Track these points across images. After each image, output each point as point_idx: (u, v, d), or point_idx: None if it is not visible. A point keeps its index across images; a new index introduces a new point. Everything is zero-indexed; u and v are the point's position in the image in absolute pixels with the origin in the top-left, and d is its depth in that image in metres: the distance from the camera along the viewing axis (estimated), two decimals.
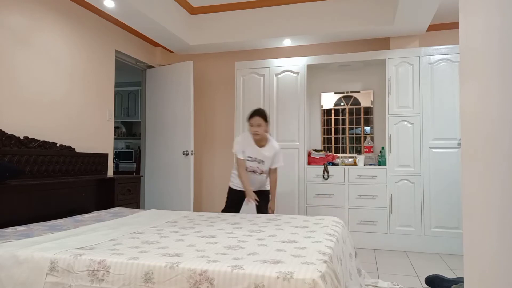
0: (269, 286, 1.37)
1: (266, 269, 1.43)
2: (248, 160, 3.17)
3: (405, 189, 3.76)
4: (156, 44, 4.72)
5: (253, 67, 4.30)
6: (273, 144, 3.18)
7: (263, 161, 3.15)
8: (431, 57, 3.77)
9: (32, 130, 2.97)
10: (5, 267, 1.68)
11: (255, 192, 3.20)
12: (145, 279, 1.51)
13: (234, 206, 3.29)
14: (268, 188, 3.32)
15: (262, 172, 3.21)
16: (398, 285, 2.61)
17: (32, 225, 2.37)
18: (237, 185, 3.29)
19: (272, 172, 3.27)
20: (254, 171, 3.20)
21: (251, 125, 3.08)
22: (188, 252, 1.70)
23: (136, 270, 1.54)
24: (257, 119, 3.05)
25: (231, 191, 3.34)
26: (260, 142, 3.15)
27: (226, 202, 3.36)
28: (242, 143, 3.17)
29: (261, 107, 4.24)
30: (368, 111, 4.32)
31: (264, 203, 3.26)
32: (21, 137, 2.83)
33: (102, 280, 1.57)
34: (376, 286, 2.59)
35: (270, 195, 3.31)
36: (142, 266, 1.54)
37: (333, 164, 4.08)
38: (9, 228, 2.25)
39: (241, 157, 3.15)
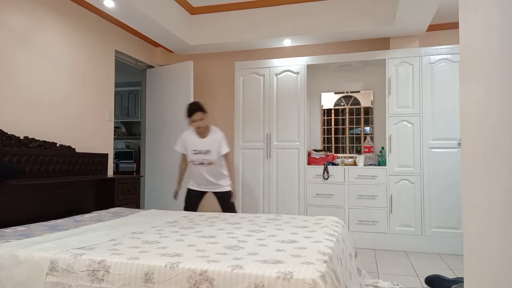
0: (269, 286, 1.37)
1: (266, 269, 1.43)
2: (194, 154, 3.20)
3: (405, 189, 3.76)
4: (156, 44, 4.72)
5: (253, 67, 4.30)
6: (215, 133, 3.21)
7: (209, 151, 3.16)
8: (431, 57, 3.77)
9: (32, 130, 2.97)
10: (5, 267, 1.68)
11: (215, 193, 3.28)
12: (145, 279, 1.51)
13: (189, 204, 3.34)
14: (225, 189, 3.27)
15: (210, 163, 3.18)
16: (398, 285, 2.61)
17: (32, 225, 2.36)
18: (191, 184, 3.35)
19: (223, 160, 3.28)
20: (202, 163, 3.20)
21: (193, 121, 3.10)
22: (188, 252, 1.70)
23: (136, 270, 1.54)
24: (199, 114, 3.07)
25: (187, 190, 3.41)
26: (203, 134, 3.20)
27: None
28: (184, 139, 3.24)
29: (262, 106, 4.24)
30: (368, 111, 4.32)
31: (224, 204, 3.28)
32: (21, 137, 2.83)
33: (102, 280, 1.57)
34: (376, 286, 2.59)
35: (230, 194, 3.28)
36: (142, 266, 1.54)
37: (333, 164, 4.08)
38: (9, 228, 2.24)
39: (178, 149, 3.29)
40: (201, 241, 1.92)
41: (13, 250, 1.73)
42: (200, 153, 3.18)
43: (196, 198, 3.34)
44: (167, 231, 2.20)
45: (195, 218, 2.68)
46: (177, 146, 3.30)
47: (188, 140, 3.22)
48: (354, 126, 4.36)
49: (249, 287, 1.39)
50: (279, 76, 4.22)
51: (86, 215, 2.77)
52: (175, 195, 3.41)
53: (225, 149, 3.19)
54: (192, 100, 4.32)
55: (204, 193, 3.35)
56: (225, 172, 3.29)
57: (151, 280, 1.51)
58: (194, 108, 3.09)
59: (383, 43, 4.27)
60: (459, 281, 2.50)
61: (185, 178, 3.42)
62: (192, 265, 1.50)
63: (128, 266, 1.56)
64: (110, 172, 3.87)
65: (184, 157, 3.34)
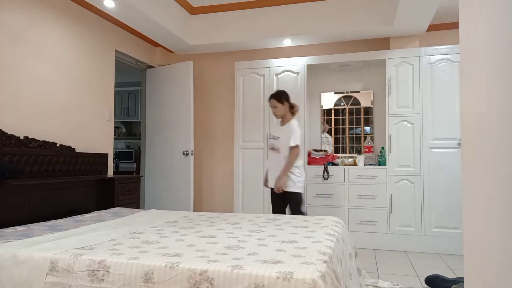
0: (269, 286, 1.37)
1: (266, 269, 1.43)
2: (270, 138, 3.39)
3: (405, 189, 3.76)
4: (156, 44, 4.72)
5: (253, 67, 4.30)
6: (291, 123, 3.21)
7: (278, 138, 3.24)
8: (431, 57, 3.77)
9: (32, 130, 2.97)
10: (5, 267, 1.68)
11: (280, 193, 3.16)
12: (145, 279, 1.51)
13: (274, 207, 3.32)
14: (291, 189, 3.13)
15: (277, 149, 3.23)
16: (398, 285, 2.61)
17: (32, 225, 2.36)
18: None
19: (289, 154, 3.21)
20: (272, 148, 3.31)
21: (270, 107, 3.28)
22: (188, 252, 1.70)
23: (136, 270, 1.54)
24: (271, 102, 3.21)
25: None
26: (283, 122, 3.29)
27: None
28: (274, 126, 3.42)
29: (262, 106, 4.24)
30: (368, 111, 4.32)
31: (286, 204, 3.21)
32: (21, 137, 2.83)
33: (102, 280, 1.57)
34: (376, 286, 2.59)
35: (291, 195, 3.16)
36: (142, 266, 1.54)
37: (333, 164, 4.08)
38: (9, 228, 2.24)
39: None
40: (201, 241, 1.92)
41: (13, 250, 1.73)
42: (272, 138, 3.33)
43: (275, 198, 3.27)
44: (167, 231, 2.20)
45: (195, 218, 2.68)
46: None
47: (275, 125, 3.37)
48: (354, 126, 4.36)
49: (249, 287, 1.39)
50: (279, 76, 4.22)
51: (86, 215, 2.77)
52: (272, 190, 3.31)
53: (291, 142, 3.13)
54: (192, 99, 4.32)
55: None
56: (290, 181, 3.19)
57: (151, 280, 1.51)
58: (271, 95, 3.23)
59: (383, 43, 4.27)
60: (459, 281, 2.50)
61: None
62: (192, 265, 1.50)
63: (128, 266, 1.56)
64: (110, 172, 3.87)
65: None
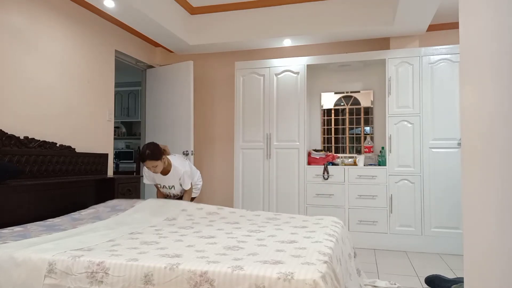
0: (269, 287, 1.37)
1: (266, 270, 1.43)
2: (160, 188, 3.21)
3: (405, 189, 3.76)
4: (156, 44, 4.72)
5: (253, 67, 4.30)
6: (176, 170, 3.05)
7: (173, 186, 3.14)
8: (431, 57, 3.77)
9: (32, 130, 2.97)
10: (3, 269, 1.67)
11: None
12: (145, 281, 1.51)
13: None
14: None
15: (176, 196, 3.23)
16: (395, 284, 2.62)
17: (29, 225, 2.35)
18: None
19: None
20: (168, 196, 3.25)
21: (147, 167, 2.93)
22: (188, 253, 1.70)
23: (136, 271, 1.53)
24: (150, 163, 2.86)
25: None
26: (164, 172, 3.06)
27: None
28: (148, 174, 3.13)
29: (262, 106, 4.24)
30: (368, 111, 4.31)
31: None
32: (21, 137, 2.83)
33: (101, 282, 1.56)
34: (374, 286, 2.59)
35: None
36: (141, 267, 1.54)
37: (333, 164, 4.08)
38: (5, 229, 2.23)
39: (146, 182, 3.20)
40: (200, 242, 1.92)
41: (11, 252, 1.72)
42: (165, 187, 3.17)
43: None
44: (166, 231, 2.20)
45: (194, 213, 2.67)
46: (145, 179, 3.19)
47: (153, 175, 3.10)
48: (354, 126, 4.36)
49: (250, 287, 1.39)
50: (279, 76, 4.22)
51: (83, 212, 2.75)
52: None
53: (185, 185, 3.11)
54: (192, 99, 4.32)
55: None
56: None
57: (151, 282, 1.50)
58: (144, 157, 2.85)
59: (383, 43, 4.27)
60: (459, 281, 2.50)
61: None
62: (192, 266, 1.50)
63: (127, 267, 1.55)
64: (110, 172, 3.87)
65: (156, 187, 3.27)
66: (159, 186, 3.19)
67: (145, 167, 3.00)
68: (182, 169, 3.07)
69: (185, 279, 1.47)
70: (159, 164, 2.91)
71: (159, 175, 3.08)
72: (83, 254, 1.68)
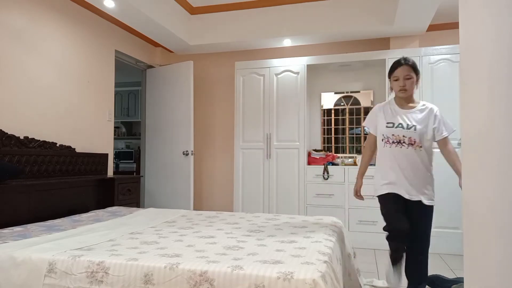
0: (269, 287, 1.37)
1: (266, 270, 1.43)
2: (388, 127, 2.31)
3: None
4: (156, 44, 4.72)
5: (253, 67, 4.30)
6: (427, 104, 2.33)
7: (413, 126, 2.25)
8: (431, 57, 3.77)
9: (32, 130, 2.97)
10: (3, 269, 1.67)
11: (412, 201, 2.26)
12: (145, 280, 1.51)
13: (396, 217, 2.26)
14: (428, 202, 2.27)
15: (413, 143, 2.24)
16: None
17: (29, 226, 2.35)
18: (380, 188, 2.38)
19: (442, 146, 2.28)
20: (399, 141, 2.27)
21: (396, 79, 2.29)
22: (188, 253, 1.70)
23: (136, 271, 1.53)
24: (406, 69, 2.25)
25: (380, 199, 2.40)
26: (407, 102, 2.33)
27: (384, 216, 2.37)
28: (377, 111, 2.40)
29: (262, 106, 4.24)
30: (368, 111, 4.31)
31: (419, 217, 2.28)
32: (21, 137, 2.83)
33: (101, 281, 1.56)
34: (373, 286, 2.60)
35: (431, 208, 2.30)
36: (141, 267, 1.54)
37: (333, 164, 4.08)
38: (6, 229, 2.23)
39: (371, 131, 2.44)
40: (200, 242, 1.92)
41: (11, 252, 1.72)
42: (399, 127, 2.28)
43: (399, 206, 2.28)
44: (166, 231, 2.20)
45: (194, 217, 2.68)
46: (367, 123, 2.47)
47: (386, 111, 2.36)
48: (354, 126, 4.36)
49: (249, 287, 1.39)
50: (279, 76, 4.22)
51: (84, 215, 2.76)
52: (356, 194, 2.61)
53: (447, 128, 2.26)
54: (192, 99, 4.32)
55: (406, 201, 2.28)
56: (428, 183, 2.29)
57: (150, 282, 1.50)
58: (400, 62, 2.29)
59: (383, 43, 4.27)
60: (459, 281, 2.50)
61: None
62: (192, 266, 1.50)
63: (127, 267, 1.56)
64: (110, 172, 3.87)
65: (369, 139, 2.48)
66: (387, 125, 2.31)
67: (375, 106, 2.42)
68: (436, 107, 2.32)
69: (185, 278, 1.47)
70: (413, 81, 2.28)
71: (397, 110, 2.32)
72: (83, 254, 1.68)
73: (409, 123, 2.28)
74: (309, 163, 4.12)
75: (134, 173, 6.76)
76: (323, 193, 3.97)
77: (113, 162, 4.89)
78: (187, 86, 4.36)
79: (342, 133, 4.39)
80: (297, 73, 4.15)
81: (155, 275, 1.51)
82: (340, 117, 4.40)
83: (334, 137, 4.42)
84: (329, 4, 4.01)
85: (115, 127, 6.93)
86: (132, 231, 2.18)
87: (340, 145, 4.40)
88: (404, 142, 2.27)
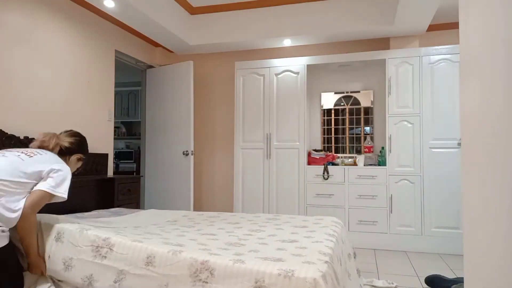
0: (269, 282, 1.38)
1: (267, 266, 1.44)
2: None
3: (405, 189, 3.76)
4: (156, 44, 4.72)
5: (253, 67, 4.30)
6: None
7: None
8: (431, 57, 3.77)
9: (32, 130, 2.97)
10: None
11: None
12: (147, 262, 1.54)
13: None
14: None
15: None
16: (393, 284, 2.62)
17: None
18: None
19: None
20: None
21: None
22: (190, 244, 1.73)
23: (139, 252, 1.57)
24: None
25: None
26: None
27: None
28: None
29: (262, 106, 4.24)
30: (368, 111, 4.32)
31: None
32: (21, 137, 2.83)
33: (105, 257, 1.60)
34: (372, 285, 2.60)
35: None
36: (145, 249, 1.58)
37: (333, 164, 4.08)
38: None
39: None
40: (202, 237, 1.94)
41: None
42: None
43: None
44: (169, 228, 2.22)
45: (195, 217, 2.69)
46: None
47: None
48: (354, 126, 4.36)
49: (249, 281, 1.40)
50: (279, 76, 4.22)
51: (86, 214, 2.77)
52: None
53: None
54: (192, 99, 4.32)
55: None
56: None
57: (152, 263, 1.53)
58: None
59: (383, 43, 4.27)
60: (459, 281, 2.51)
61: None
62: (194, 254, 1.53)
63: (131, 247, 1.60)
64: (110, 172, 3.87)
65: None
66: None
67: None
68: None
69: (186, 265, 1.49)
70: None
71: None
72: (91, 228, 1.77)
73: None
74: (309, 163, 4.12)
75: (134, 173, 6.76)
76: (323, 193, 3.98)
77: (113, 162, 4.89)
78: (187, 86, 4.36)
79: (342, 133, 4.40)
80: (297, 73, 4.15)
81: (157, 258, 1.54)
82: (340, 117, 4.40)
83: (334, 137, 4.42)
84: (329, 4, 4.01)
85: (115, 127, 6.93)
86: (135, 226, 2.23)
87: (340, 145, 4.40)
88: None
